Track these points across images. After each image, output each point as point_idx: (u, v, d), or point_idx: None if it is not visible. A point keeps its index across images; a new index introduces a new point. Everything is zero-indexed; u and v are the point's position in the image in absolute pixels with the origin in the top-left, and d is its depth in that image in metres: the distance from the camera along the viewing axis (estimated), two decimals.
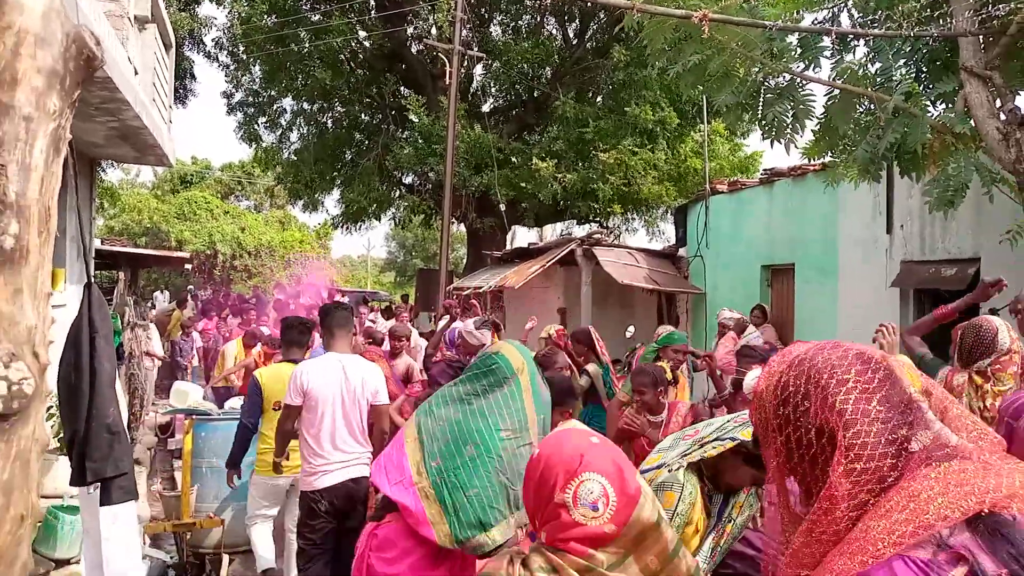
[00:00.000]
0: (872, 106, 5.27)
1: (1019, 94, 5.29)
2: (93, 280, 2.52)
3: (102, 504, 2.64)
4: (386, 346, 7.86)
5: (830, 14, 5.68)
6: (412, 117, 18.24)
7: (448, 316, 8.52)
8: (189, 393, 8.22)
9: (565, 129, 17.11)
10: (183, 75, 20.50)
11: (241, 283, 29.78)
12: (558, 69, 18.62)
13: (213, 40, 20.87)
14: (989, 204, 5.23)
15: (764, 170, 11.83)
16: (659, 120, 16.05)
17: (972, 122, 4.83)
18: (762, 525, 2.52)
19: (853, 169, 5.44)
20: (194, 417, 6.32)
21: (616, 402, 5.56)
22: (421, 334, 11.50)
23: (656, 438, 4.18)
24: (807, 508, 1.17)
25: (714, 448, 2.48)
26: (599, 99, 18.64)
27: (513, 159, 17.93)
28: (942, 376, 3.80)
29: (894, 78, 5.16)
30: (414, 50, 19.76)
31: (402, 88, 19.91)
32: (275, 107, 20.69)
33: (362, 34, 19.13)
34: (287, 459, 4.81)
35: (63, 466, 4.50)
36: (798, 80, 5.41)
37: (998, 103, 4.82)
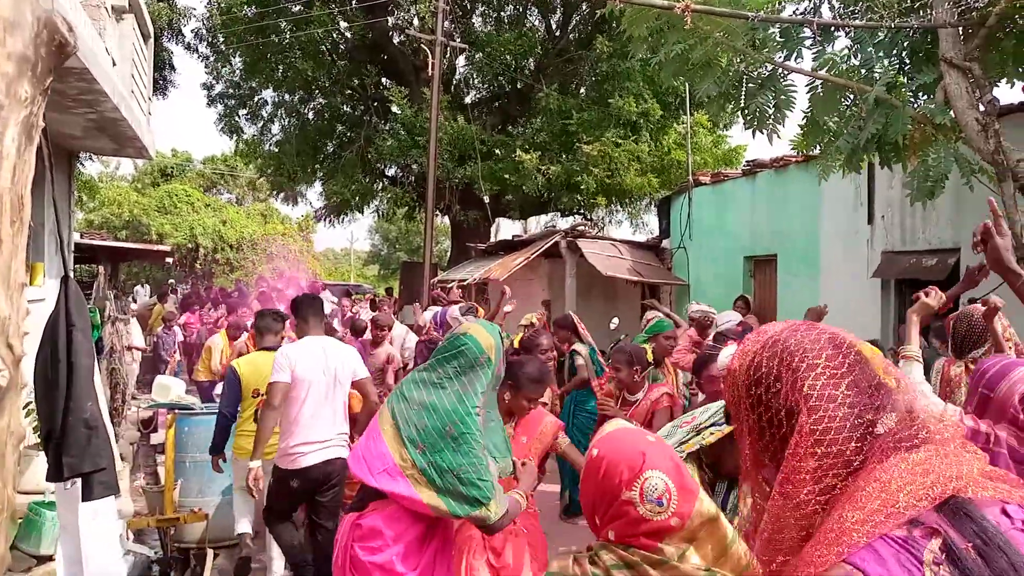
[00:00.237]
0: (854, 97, 5.30)
1: (997, 85, 5.34)
2: (71, 274, 2.49)
3: (84, 499, 2.62)
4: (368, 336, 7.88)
5: (811, 5, 5.70)
6: (394, 109, 18.15)
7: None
8: (171, 387, 8.16)
9: (548, 121, 17.08)
10: (162, 66, 20.25)
11: (223, 276, 29.58)
12: (541, 60, 18.57)
13: (192, 31, 20.66)
14: (969, 194, 5.28)
15: (747, 162, 11.89)
16: (642, 112, 16.06)
17: (952, 113, 4.87)
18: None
19: (839, 160, 5.47)
20: (176, 412, 6.28)
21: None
22: (409, 327, 11.46)
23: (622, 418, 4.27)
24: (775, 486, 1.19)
25: (712, 435, 2.47)
26: (582, 91, 18.62)
27: (497, 151, 17.89)
28: (938, 368, 3.82)
29: (876, 69, 5.19)
30: (396, 41, 19.63)
31: (384, 79, 19.80)
32: (256, 99, 20.51)
33: (343, 25, 18.99)
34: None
35: (44, 462, 4.46)
36: (780, 71, 5.43)
37: (977, 94, 4.86)
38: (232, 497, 5.60)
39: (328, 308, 7.81)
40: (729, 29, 5.16)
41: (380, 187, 20.66)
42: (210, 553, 5.53)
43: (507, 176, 17.03)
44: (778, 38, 5.40)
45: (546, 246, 12.53)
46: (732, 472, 2.52)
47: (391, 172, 20.44)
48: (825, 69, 5.25)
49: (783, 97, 5.43)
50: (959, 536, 0.99)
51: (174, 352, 13.30)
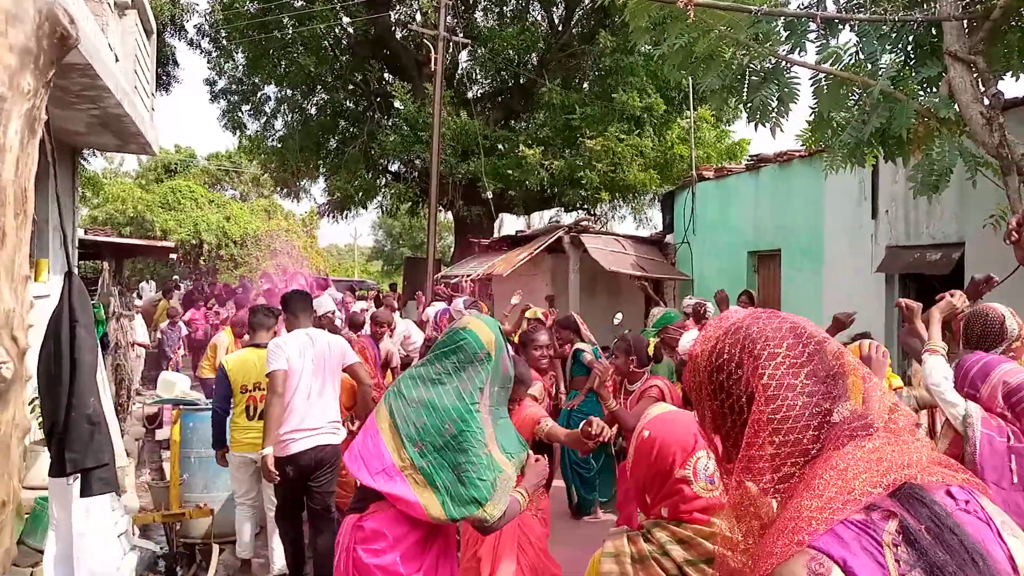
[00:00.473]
0: (859, 91, 5.28)
1: (1002, 78, 5.31)
2: (75, 270, 2.49)
3: (82, 495, 2.62)
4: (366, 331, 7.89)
5: None
6: (397, 104, 18.13)
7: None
8: (176, 383, 8.18)
9: (551, 116, 17.06)
10: (165, 62, 20.26)
11: (227, 272, 29.61)
12: (544, 55, 18.54)
13: (195, 26, 20.66)
14: (973, 189, 5.26)
15: (750, 156, 11.86)
16: (646, 106, 16.03)
17: (956, 107, 4.85)
18: None
19: (843, 153, 5.45)
20: (181, 407, 6.29)
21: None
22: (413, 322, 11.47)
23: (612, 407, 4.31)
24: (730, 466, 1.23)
25: None
26: (585, 85, 18.60)
27: (500, 146, 17.87)
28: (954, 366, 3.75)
29: (880, 63, 5.17)
30: (399, 36, 19.61)
31: (387, 75, 19.78)
32: (259, 94, 20.51)
33: (346, 20, 18.97)
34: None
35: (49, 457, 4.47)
36: (784, 64, 5.42)
37: (982, 88, 4.84)
38: (235, 511, 5.58)
39: (331, 305, 7.83)
40: (732, 22, 5.14)
41: (383, 183, 20.67)
42: (215, 548, 5.54)
43: (510, 171, 17.02)
44: (782, 31, 5.38)
45: (549, 241, 12.52)
46: None
47: (394, 168, 20.43)
48: (829, 63, 5.23)
49: (787, 90, 5.41)
50: (913, 519, 1.03)
51: (178, 348, 13.33)
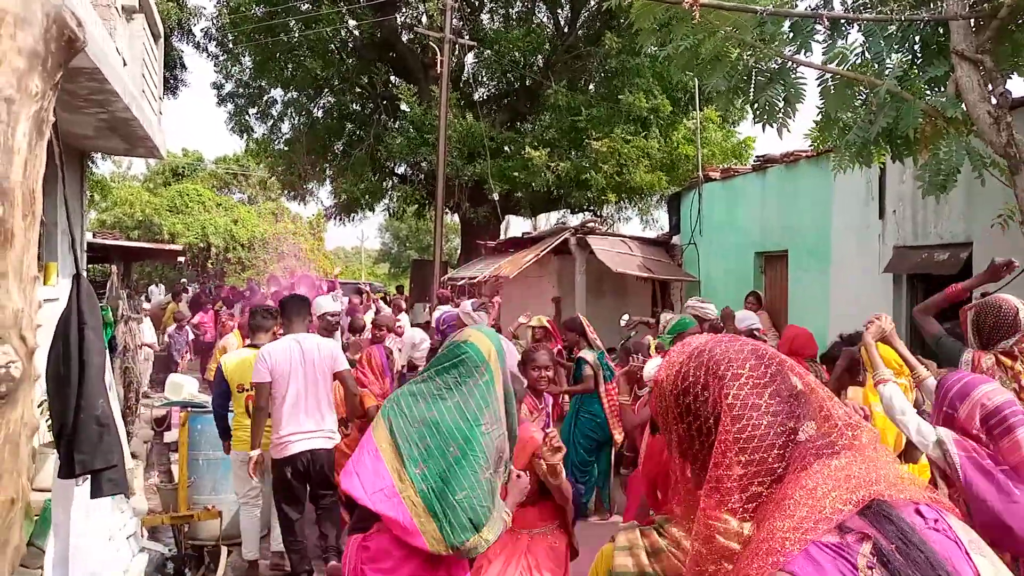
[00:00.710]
0: (866, 92, 5.27)
1: (1010, 77, 5.29)
2: (83, 273, 2.51)
3: (92, 496, 2.63)
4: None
5: None
6: (404, 106, 18.16)
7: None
8: (184, 386, 8.21)
9: (557, 117, 17.06)
10: (172, 66, 20.37)
11: (234, 276, 29.71)
12: (549, 57, 18.55)
13: (202, 30, 20.76)
14: (981, 188, 5.23)
15: (757, 157, 11.83)
16: (652, 108, 16.01)
17: (963, 106, 4.83)
18: None
19: (850, 153, 5.43)
20: (189, 410, 6.31)
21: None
22: (416, 324, 11.49)
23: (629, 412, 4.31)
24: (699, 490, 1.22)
25: None
26: (591, 87, 18.59)
27: (506, 148, 17.88)
28: (967, 359, 3.67)
29: (887, 63, 5.16)
30: (405, 39, 19.65)
31: (393, 77, 19.83)
32: (265, 98, 20.58)
33: (352, 23, 19.03)
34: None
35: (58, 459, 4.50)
36: (790, 64, 5.41)
37: (989, 87, 4.82)
38: (239, 510, 5.67)
39: (331, 305, 7.86)
40: (738, 23, 5.14)
41: (390, 185, 20.71)
42: (224, 550, 5.56)
43: (516, 173, 17.03)
44: (788, 32, 5.37)
45: (556, 243, 12.51)
46: None
47: (401, 170, 20.47)
48: (836, 63, 5.22)
49: (793, 91, 5.40)
50: (883, 538, 1.04)
51: (185, 352, 13.38)
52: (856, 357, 4.21)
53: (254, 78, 20.11)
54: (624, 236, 13.42)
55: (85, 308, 2.42)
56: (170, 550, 5.66)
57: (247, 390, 5.37)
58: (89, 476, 2.56)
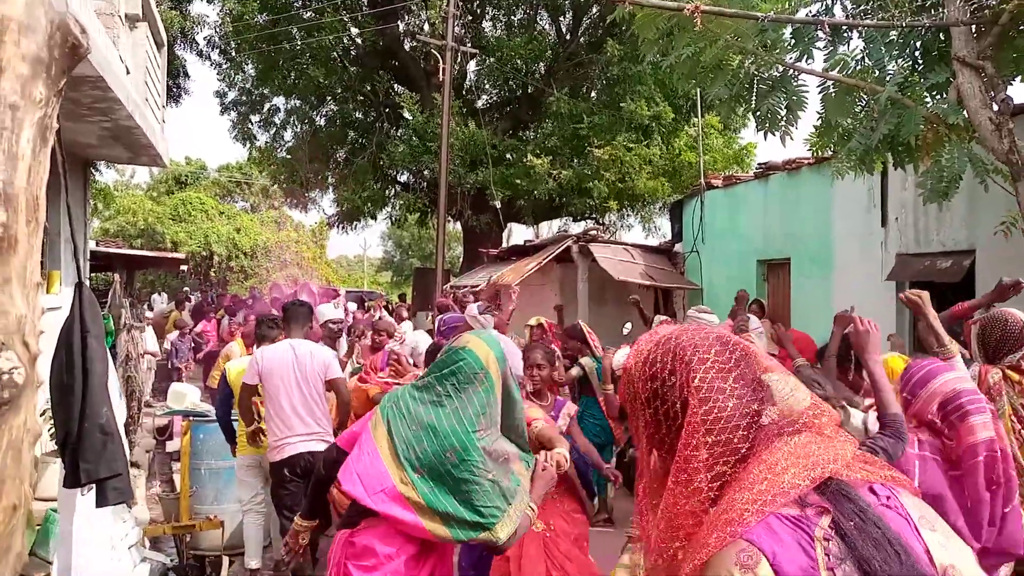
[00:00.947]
0: (867, 98, 5.27)
1: (1011, 84, 5.29)
2: (85, 281, 2.51)
3: (98, 505, 2.62)
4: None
5: (823, 6, 5.68)
6: (406, 114, 18.21)
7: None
8: (187, 395, 8.21)
9: (559, 125, 17.09)
10: (175, 74, 20.43)
11: (237, 284, 29.74)
12: (551, 65, 18.60)
13: (205, 38, 20.83)
14: (983, 195, 5.24)
15: (759, 164, 11.85)
16: (654, 115, 16.04)
17: (965, 112, 4.83)
18: None
19: (852, 161, 5.43)
20: (192, 418, 6.31)
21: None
22: (428, 331, 11.45)
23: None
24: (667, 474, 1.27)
25: None
26: (593, 94, 18.63)
27: (508, 156, 17.91)
28: (974, 373, 3.62)
29: (888, 69, 5.16)
30: (407, 47, 19.72)
31: (395, 85, 19.88)
32: (268, 106, 20.65)
33: (355, 31, 19.10)
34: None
35: (61, 469, 4.49)
36: (791, 71, 5.41)
37: (991, 93, 4.82)
38: (243, 518, 5.65)
39: (333, 313, 7.89)
40: (739, 31, 5.15)
41: (392, 193, 20.74)
42: (225, 559, 5.55)
43: (518, 181, 17.05)
44: (789, 39, 5.38)
45: (558, 251, 12.52)
46: None
47: (403, 178, 20.51)
48: (837, 69, 5.22)
49: (795, 98, 5.40)
50: (841, 514, 1.10)
51: (187, 361, 13.38)
52: (850, 323, 4.28)
53: (257, 86, 20.18)
54: (626, 244, 13.43)
55: (87, 316, 2.42)
56: (172, 560, 5.65)
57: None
58: (94, 485, 2.56)
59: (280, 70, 18.69)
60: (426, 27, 19.00)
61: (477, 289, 13.90)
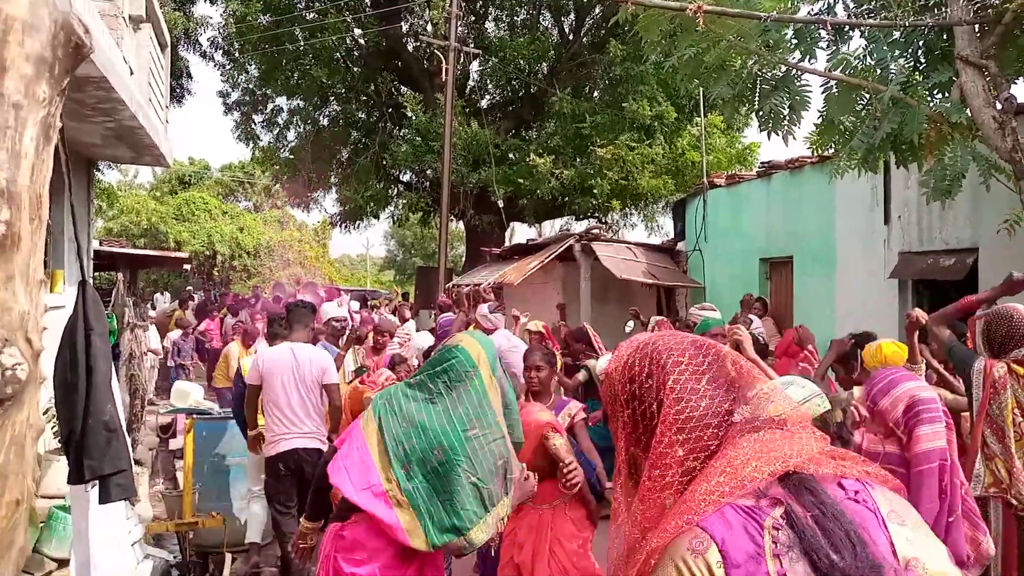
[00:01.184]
0: (869, 97, 5.26)
1: (1015, 82, 5.28)
2: (89, 279, 2.52)
3: (101, 502, 2.64)
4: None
5: (826, 5, 5.67)
6: (409, 114, 18.22)
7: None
8: (190, 393, 8.23)
9: (562, 125, 17.09)
10: (179, 75, 20.46)
11: (240, 283, 29.77)
12: (554, 65, 18.59)
13: (208, 39, 20.86)
14: (986, 193, 5.22)
15: (762, 163, 11.83)
16: (656, 115, 16.03)
17: (968, 111, 4.82)
18: None
19: (855, 160, 5.43)
20: (195, 416, 6.33)
21: None
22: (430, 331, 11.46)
23: None
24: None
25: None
26: (596, 94, 18.62)
27: (510, 155, 17.91)
28: (979, 368, 3.69)
29: (891, 68, 5.15)
30: (410, 47, 19.73)
31: (399, 85, 19.90)
32: (271, 106, 20.67)
33: (358, 32, 19.11)
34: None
35: (65, 466, 4.51)
36: (794, 71, 5.41)
37: (994, 92, 4.81)
38: (248, 503, 5.71)
39: (344, 311, 7.92)
40: (742, 31, 5.14)
41: (395, 192, 20.76)
42: (228, 557, 5.57)
43: (521, 180, 17.05)
44: (792, 39, 5.38)
45: (560, 250, 12.52)
46: None
47: (406, 177, 20.53)
48: (839, 69, 5.22)
49: (798, 98, 5.39)
50: (800, 507, 1.15)
51: (191, 360, 13.40)
52: (845, 349, 4.32)
53: (260, 86, 20.20)
54: (629, 243, 13.42)
55: (91, 314, 2.43)
56: (175, 557, 5.67)
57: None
58: (98, 482, 2.57)
59: (283, 70, 18.71)
60: (429, 27, 19.01)
61: (480, 287, 13.91)
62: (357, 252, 56.36)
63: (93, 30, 2.76)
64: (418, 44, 19.19)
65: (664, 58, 5.65)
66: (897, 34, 5.18)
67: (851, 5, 5.66)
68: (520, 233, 15.89)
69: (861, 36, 5.43)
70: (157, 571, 5.29)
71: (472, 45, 18.03)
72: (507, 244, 15.88)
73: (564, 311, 10.00)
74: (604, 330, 7.91)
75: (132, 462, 3.08)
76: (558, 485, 3.57)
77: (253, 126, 20.77)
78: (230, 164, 38.47)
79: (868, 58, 5.26)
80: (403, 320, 11.89)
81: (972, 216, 7.20)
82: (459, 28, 16.82)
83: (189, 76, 21.67)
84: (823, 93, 5.38)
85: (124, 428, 2.90)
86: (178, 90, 20.79)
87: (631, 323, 8.82)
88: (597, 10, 18.62)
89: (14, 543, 1.39)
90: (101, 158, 8.46)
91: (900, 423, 2.83)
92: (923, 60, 5.42)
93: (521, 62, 17.78)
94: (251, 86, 20.50)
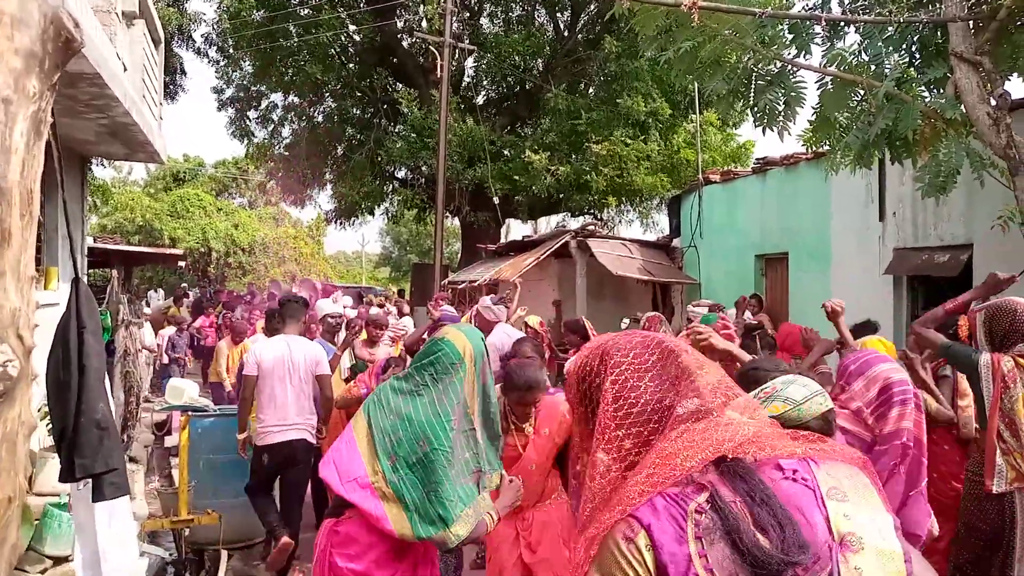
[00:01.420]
0: (864, 93, 5.27)
1: (1009, 79, 5.29)
2: (82, 276, 2.51)
3: (94, 500, 2.63)
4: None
5: (820, 0, 5.68)
6: (404, 111, 18.20)
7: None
8: (185, 390, 8.19)
9: (557, 121, 17.08)
10: (173, 71, 20.41)
11: (235, 280, 29.73)
12: (549, 61, 18.58)
13: (202, 36, 20.82)
14: (981, 190, 5.24)
15: (757, 159, 11.84)
16: (651, 111, 16.03)
17: (962, 107, 4.83)
18: None
19: (849, 156, 5.44)
20: (190, 413, 6.30)
21: None
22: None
23: None
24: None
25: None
26: (591, 91, 18.61)
27: (506, 152, 17.90)
28: (986, 361, 3.66)
29: (885, 65, 5.16)
30: (405, 44, 19.69)
31: (393, 82, 19.86)
32: (266, 102, 20.63)
33: (352, 28, 19.07)
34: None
35: (59, 463, 4.51)
36: (789, 67, 5.41)
37: (988, 88, 4.82)
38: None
39: (331, 307, 7.94)
40: (738, 26, 5.14)
41: (390, 189, 20.73)
42: (224, 553, 5.56)
43: (517, 177, 17.04)
44: (787, 34, 5.38)
45: (556, 246, 12.52)
46: None
47: (401, 174, 20.50)
48: (835, 65, 5.22)
49: (793, 94, 5.40)
50: (730, 492, 1.20)
51: (181, 356, 13.38)
52: (832, 349, 4.35)
53: (254, 83, 20.15)
54: (624, 239, 13.42)
55: (84, 312, 2.42)
56: (170, 554, 5.66)
57: None
58: (90, 480, 2.56)
59: (277, 67, 18.66)
60: (424, 23, 18.97)
61: (476, 285, 13.91)
62: (352, 249, 56.39)
63: (86, 26, 2.75)
64: (413, 40, 19.15)
65: (660, 52, 5.64)
66: (892, 30, 5.18)
67: (846, 1, 5.67)
68: (516, 230, 15.90)
69: (856, 32, 5.43)
70: (153, 568, 5.29)
71: (467, 41, 18.01)
72: (503, 241, 15.87)
73: (560, 308, 10.00)
74: (600, 327, 7.89)
75: (125, 460, 3.07)
76: (549, 484, 3.62)
77: (248, 123, 20.73)
78: (223, 160, 38.38)
79: (863, 54, 5.27)
80: (401, 314, 11.88)
81: (967, 212, 7.21)
82: (454, 24, 16.79)
83: (183, 73, 21.63)
84: (818, 90, 5.39)
85: (117, 426, 2.89)
86: (172, 87, 20.73)
87: (626, 320, 8.83)
88: (592, 6, 18.61)
89: (6, 540, 1.38)
90: (95, 155, 8.43)
91: (872, 404, 2.85)
92: (918, 56, 5.43)
93: (516, 58, 17.76)
94: (245, 82, 20.45)
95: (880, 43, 5.15)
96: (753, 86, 5.54)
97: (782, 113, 5.48)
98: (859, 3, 5.56)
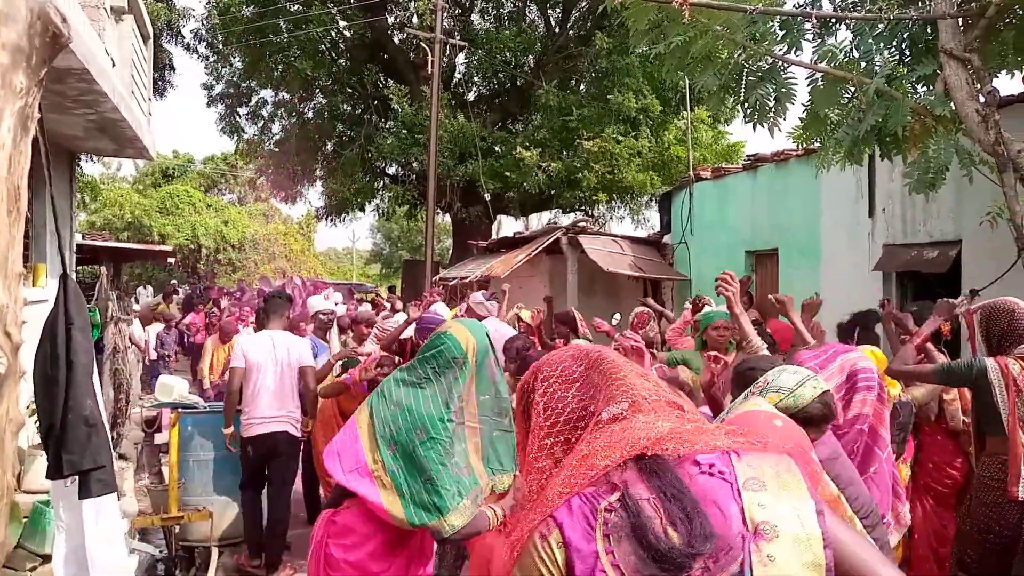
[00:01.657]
0: (855, 89, 5.29)
1: (997, 76, 5.32)
2: (71, 272, 2.50)
3: (81, 497, 2.61)
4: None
5: None
6: (395, 107, 18.15)
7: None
8: (174, 387, 8.16)
9: (548, 118, 17.07)
10: (162, 67, 20.27)
11: (225, 277, 29.62)
12: (540, 57, 18.57)
13: (192, 31, 20.68)
14: (969, 186, 5.26)
15: (747, 156, 11.87)
16: (642, 108, 16.04)
17: (952, 104, 4.85)
18: None
19: (839, 152, 5.45)
20: (180, 411, 6.28)
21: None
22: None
23: None
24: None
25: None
26: (582, 87, 18.62)
27: (497, 148, 17.89)
28: (994, 366, 3.59)
29: (875, 61, 5.18)
30: (396, 39, 19.63)
31: (384, 78, 19.80)
32: (256, 98, 20.53)
33: (342, 23, 18.99)
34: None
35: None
36: (780, 63, 5.42)
37: (977, 85, 4.84)
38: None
39: (323, 304, 7.95)
40: (729, 22, 5.15)
41: (381, 185, 20.68)
42: (214, 551, 5.55)
43: (508, 173, 17.04)
44: (778, 31, 5.39)
45: (547, 243, 12.52)
46: None
47: (392, 170, 20.45)
48: (825, 61, 5.24)
49: (784, 90, 5.41)
50: (646, 489, 1.24)
51: (170, 353, 13.34)
52: (816, 306, 4.72)
53: (244, 79, 20.05)
54: (615, 235, 13.43)
55: (72, 308, 2.40)
56: (161, 551, 5.65)
57: None
58: (77, 477, 2.55)
59: (267, 63, 18.58)
60: (415, 19, 18.92)
61: (467, 281, 13.89)
62: (343, 245, 56.19)
63: (73, 21, 2.73)
64: (404, 36, 19.10)
65: (651, 48, 5.64)
66: (882, 27, 5.19)
67: None
68: (507, 226, 15.83)
69: (847, 29, 5.45)
70: (143, 566, 5.27)
71: (458, 37, 17.97)
72: (494, 237, 15.84)
73: (551, 304, 10.00)
74: (590, 322, 7.91)
75: (113, 457, 3.06)
76: None
77: (237, 119, 20.65)
78: (213, 156, 38.20)
79: (854, 51, 5.28)
80: (394, 310, 11.85)
81: (956, 209, 7.25)
82: (445, 20, 16.76)
83: (172, 68, 21.49)
84: (809, 86, 5.40)
85: (106, 423, 2.87)
86: (161, 83, 20.59)
87: (617, 315, 8.84)
88: (583, 3, 18.60)
89: None
90: (83, 150, 8.38)
91: (841, 388, 2.88)
92: (908, 53, 5.44)
93: (507, 54, 17.74)
94: (235, 78, 20.35)
95: (870, 40, 5.17)
96: (744, 82, 5.54)
97: (772, 109, 5.49)
98: (849, 0, 5.57)
